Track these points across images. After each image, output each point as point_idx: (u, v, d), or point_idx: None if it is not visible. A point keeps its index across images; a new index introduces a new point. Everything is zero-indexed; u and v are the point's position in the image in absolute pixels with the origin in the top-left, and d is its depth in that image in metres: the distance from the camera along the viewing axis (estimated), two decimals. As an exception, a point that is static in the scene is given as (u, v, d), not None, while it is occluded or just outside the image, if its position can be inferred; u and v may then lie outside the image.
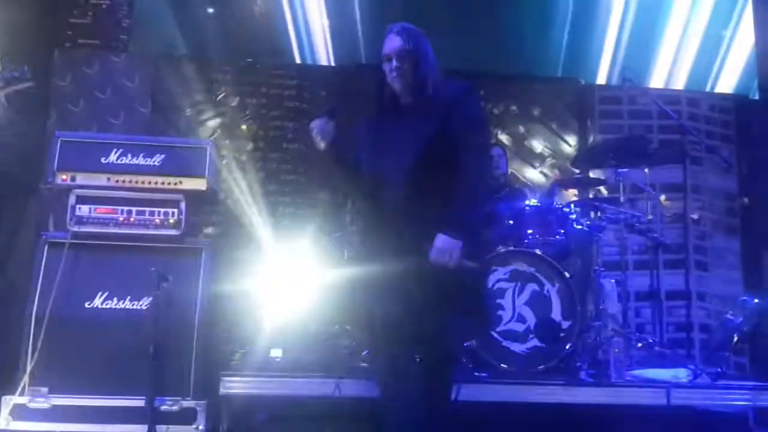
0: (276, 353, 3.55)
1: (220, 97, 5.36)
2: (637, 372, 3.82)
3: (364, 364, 3.65)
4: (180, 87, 5.30)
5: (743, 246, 5.55)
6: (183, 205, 3.55)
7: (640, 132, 5.31)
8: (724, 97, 5.91)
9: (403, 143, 2.56)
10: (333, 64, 5.72)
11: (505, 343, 3.75)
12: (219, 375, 3.35)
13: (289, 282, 4.08)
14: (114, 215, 3.48)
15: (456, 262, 2.43)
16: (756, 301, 4.14)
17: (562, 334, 3.78)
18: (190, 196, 3.58)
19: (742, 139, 5.76)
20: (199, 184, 3.60)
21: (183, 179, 3.58)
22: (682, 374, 3.74)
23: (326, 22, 5.70)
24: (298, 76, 5.51)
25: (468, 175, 2.50)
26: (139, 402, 3.16)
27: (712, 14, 6.07)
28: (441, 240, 2.44)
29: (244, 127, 5.39)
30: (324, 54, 5.75)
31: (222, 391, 3.33)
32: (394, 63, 2.61)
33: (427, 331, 2.48)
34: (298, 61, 5.67)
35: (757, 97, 5.93)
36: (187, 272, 3.46)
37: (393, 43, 2.63)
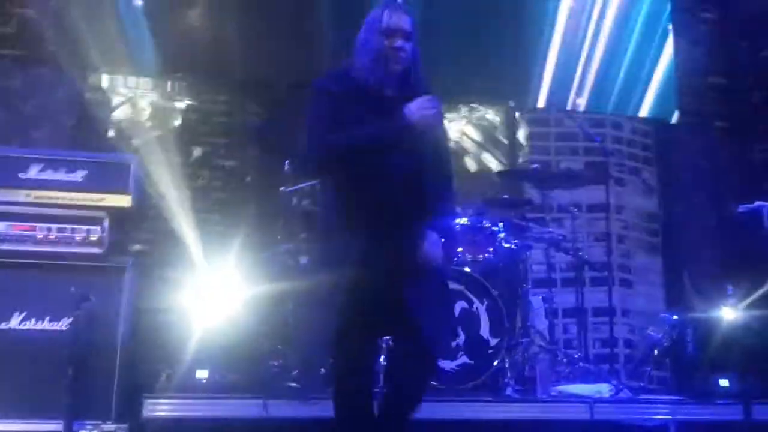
0: (202, 374, 3.47)
1: (149, 111, 5.25)
2: (562, 388, 3.90)
3: (294, 384, 3.60)
4: (107, 101, 5.17)
5: (665, 264, 5.78)
6: (106, 222, 3.46)
7: (567, 153, 5.48)
8: (645, 120, 6.17)
9: (403, 141, 2.45)
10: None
11: (435, 361, 3.76)
12: (142, 397, 3.25)
13: (218, 301, 3.99)
14: (32, 233, 3.37)
15: (441, 260, 2.53)
16: (675, 317, 4.31)
17: (490, 351, 3.84)
18: (114, 213, 3.49)
19: (662, 162, 6.03)
20: (123, 201, 3.51)
21: (106, 196, 3.49)
22: (604, 389, 3.85)
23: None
24: (230, 91, 5.44)
25: (452, 182, 2.67)
26: (56, 426, 3.03)
27: (637, 39, 6.32)
28: (433, 237, 2.52)
29: (173, 142, 5.28)
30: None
31: (145, 414, 3.23)
32: (400, 42, 2.44)
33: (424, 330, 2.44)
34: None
35: (675, 122, 6.22)
36: (110, 291, 3.37)
37: (402, 20, 2.46)
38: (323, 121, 2.46)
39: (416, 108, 2.40)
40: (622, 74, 6.20)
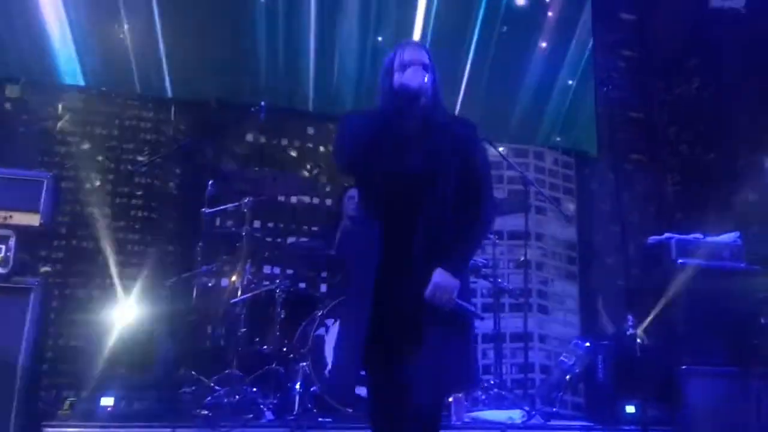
0: (107, 401, 3.35)
1: (68, 126, 5.09)
2: (476, 414, 3.95)
3: (204, 412, 3.52)
4: (25, 114, 5.00)
5: (581, 291, 5.96)
6: (12, 241, 3.33)
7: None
8: (566, 152, 6.37)
9: (425, 170, 2.38)
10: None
11: (351, 387, 3.75)
12: (41, 425, 3.12)
13: (131, 324, 3.88)
14: (-69, 250, 3.20)
15: (453, 302, 2.29)
16: (587, 344, 4.44)
17: (407, 378, 3.85)
18: (22, 231, 3.36)
19: (581, 192, 6.24)
20: (32, 220, 3.40)
21: (14, 213, 3.37)
22: (516, 415, 3.92)
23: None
24: (155, 107, 5.33)
25: (481, 219, 2.44)
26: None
27: (562, 74, 6.54)
28: (441, 276, 2.29)
29: (99, 158, 5.13)
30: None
31: (44, 443, 3.09)
32: (421, 70, 2.46)
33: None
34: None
35: (595, 154, 6.45)
36: (12, 314, 3.24)
37: (417, 53, 2.51)
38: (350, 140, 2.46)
39: (430, 295, 2.30)
40: (547, 105, 6.39)
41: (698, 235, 4.48)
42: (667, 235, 4.46)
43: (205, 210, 4.38)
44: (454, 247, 2.35)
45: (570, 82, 6.52)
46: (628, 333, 4.12)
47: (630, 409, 3.99)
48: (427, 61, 2.50)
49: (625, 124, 6.61)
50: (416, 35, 5.96)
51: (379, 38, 5.89)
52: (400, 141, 2.41)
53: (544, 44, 6.44)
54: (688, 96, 6.23)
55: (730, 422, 4.01)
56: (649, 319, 4.12)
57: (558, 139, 6.37)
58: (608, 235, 6.20)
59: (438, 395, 2.44)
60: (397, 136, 2.42)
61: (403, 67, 2.47)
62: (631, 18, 6.91)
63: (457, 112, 5.98)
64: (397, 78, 2.45)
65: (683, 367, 4.02)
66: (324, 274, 4.98)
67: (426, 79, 2.44)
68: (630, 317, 4.15)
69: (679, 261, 4.23)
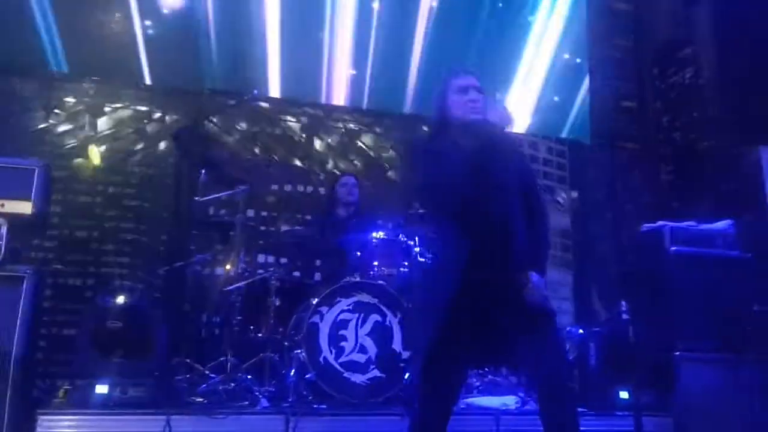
0: (102, 389, 3.34)
1: (64, 115, 5.06)
2: (470, 400, 3.96)
3: (200, 399, 3.52)
4: (20, 103, 4.97)
5: (575, 279, 5.98)
6: (4, 229, 3.31)
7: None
8: (560, 141, 6.38)
9: (502, 181, 2.59)
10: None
11: (346, 374, 3.77)
12: (36, 414, 3.11)
13: (125, 312, 3.87)
14: (-76, 238, 3.18)
15: (546, 298, 2.58)
16: (581, 331, 4.45)
17: (402, 364, 3.86)
18: (14, 220, 3.34)
19: (575, 181, 6.25)
20: (24, 208, 3.38)
21: (6, 202, 3.35)
22: (511, 401, 3.93)
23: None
24: (150, 97, 5.31)
25: (547, 227, 2.76)
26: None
27: (552, 64, 6.54)
28: (537, 277, 2.55)
29: (91, 147, 5.11)
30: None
31: (39, 431, 3.08)
32: (475, 95, 2.64)
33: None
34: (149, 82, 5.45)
35: (589, 143, 6.46)
36: (6, 302, 3.22)
37: (470, 80, 2.69)
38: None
39: (531, 294, 2.53)
40: (539, 94, 6.39)
41: (692, 223, 4.48)
42: (660, 222, 4.46)
43: (198, 198, 4.36)
44: (539, 253, 2.63)
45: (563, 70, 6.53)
46: (620, 319, 4.13)
47: (623, 395, 4.01)
48: (478, 84, 2.68)
49: (618, 113, 6.63)
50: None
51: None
52: (477, 166, 2.55)
53: (536, 30, 6.43)
54: (682, 85, 6.24)
55: (723, 408, 4.02)
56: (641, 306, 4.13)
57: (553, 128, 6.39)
58: (602, 223, 6.23)
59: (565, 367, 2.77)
60: (473, 163, 2.56)
61: (460, 89, 2.64)
62: (624, 7, 6.91)
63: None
64: (456, 100, 2.63)
65: (677, 353, 4.03)
66: (318, 263, 4.97)
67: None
68: (623, 303, 4.17)
69: (673, 248, 4.23)
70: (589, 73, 6.60)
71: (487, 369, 4.23)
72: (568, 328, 4.65)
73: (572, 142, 6.43)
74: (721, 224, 4.45)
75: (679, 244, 4.26)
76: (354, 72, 5.83)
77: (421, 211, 4.98)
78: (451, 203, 2.58)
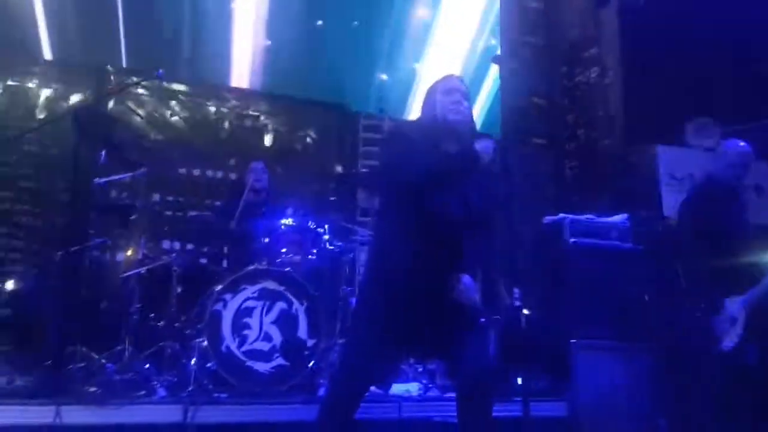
0: (-14, 379, 3.16)
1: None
2: (374, 387, 3.98)
3: (93, 389, 3.39)
4: None
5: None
6: None
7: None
8: (472, 134, 6.49)
9: (466, 191, 2.65)
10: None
11: (249, 363, 3.71)
12: None
13: (16, 298, 3.67)
14: None
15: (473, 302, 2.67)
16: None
17: (306, 353, 3.85)
18: None
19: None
20: None
21: None
22: (414, 388, 3.99)
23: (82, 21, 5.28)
24: (49, 73, 5.03)
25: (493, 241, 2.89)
26: None
27: (469, 55, 6.66)
28: (468, 279, 2.63)
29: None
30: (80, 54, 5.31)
31: None
32: (459, 97, 2.70)
33: None
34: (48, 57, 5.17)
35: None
36: None
37: (457, 83, 2.76)
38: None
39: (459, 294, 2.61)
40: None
41: (590, 216, 4.67)
42: (561, 215, 4.63)
43: (98, 180, 4.18)
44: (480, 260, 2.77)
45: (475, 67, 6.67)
46: (514, 307, 4.27)
47: (520, 381, 4.14)
48: (464, 88, 2.76)
49: (528, 109, 6.81)
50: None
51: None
52: (448, 170, 2.62)
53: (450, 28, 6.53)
54: (587, 84, 6.48)
55: (615, 392, 4.23)
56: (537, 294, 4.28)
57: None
58: (509, 215, 6.38)
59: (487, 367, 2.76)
60: (445, 166, 2.62)
61: (449, 91, 2.71)
62: (536, 5, 7.09)
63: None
64: (441, 100, 2.69)
65: (572, 341, 4.20)
66: (225, 249, 4.87)
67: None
68: (516, 291, 4.30)
69: (572, 240, 4.40)
70: (500, 69, 6.73)
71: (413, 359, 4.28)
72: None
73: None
74: (616, 218, 4.67)
75: (577, 235, 4.44)
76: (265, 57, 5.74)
77: (334, 198, 5.00)
78: (414, 196, 2.61)
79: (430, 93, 2.79)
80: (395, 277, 2.63)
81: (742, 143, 4.01)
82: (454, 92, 2.73)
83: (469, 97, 2.76)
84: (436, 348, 2.72)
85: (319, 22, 6.01)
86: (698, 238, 3.69)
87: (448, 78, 2.82)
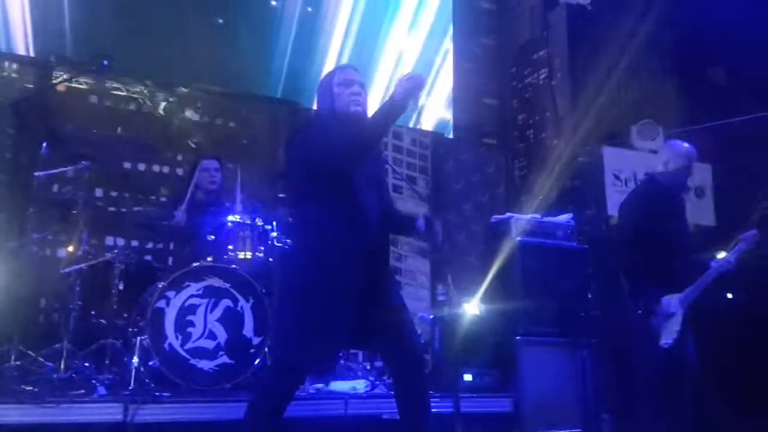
0: None
1: None
2: (320, 385, 3.98)
3: (29, 387, 3.29)
4: None
5: (432, 267, 6.17)
6: None
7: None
8: (424, 133, 6.55)
9: (377, 179, 2.76)
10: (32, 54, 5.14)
11: (192, 361, 3.66)
12: None
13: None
14: None
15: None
16: (431, 316, 4.60)
17: (252, 351, 3.81)
18: None
19: (437, 172, 6.44)
20: None
21: None
22: (360, 385, 4.00)
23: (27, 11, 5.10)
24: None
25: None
26: None
27: (422, 54, 6.68)
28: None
29: None
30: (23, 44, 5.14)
31: None
32: (358, 89, 2.75)
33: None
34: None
35: (451, 136, 6.69)
36: None
37: (354, 74, 2.81)
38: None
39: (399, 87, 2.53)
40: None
41: (536, 216, 4.76)
42: (508, 214, 4.70)
43: (38, 174, 4.06)
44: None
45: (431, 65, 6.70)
46: (461, 305, 4.32)
47: (467, 377, 4.19)
48: (361, 79, 2.80)
49: (479, 109, 6.91)
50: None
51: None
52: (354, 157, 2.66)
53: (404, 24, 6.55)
54: (536, 85, 6.60)
55: (559, 389, 4.32)
56: (482, 291, 4.34)
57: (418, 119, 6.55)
58: (460, 213, 6.47)
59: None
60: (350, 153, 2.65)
61: (345, 82, 2.76)
62: (489, 7, 7.19)
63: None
64: (339, 92, 2.75)
65: (517, 337, 4.27)
66: (171, 246, 4.79)
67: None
68: (440, 288, 4.35)
69: (518, 239, 4.47)
70: (453, 69, 6.81)
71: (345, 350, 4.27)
72: (420, 315, 4.80)
73: (435, 135, 6.61)
74: (562, 217, 4.76)
75: (524, 234, 4.51)
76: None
77: (282, 195, 4.95)
78: (334, 183, 2.64)
79: (326, 85, 2.81)
80: (323, 268, 2.62)
81: (684, 144, 4.10)
82: (352, 83, 2.76)
83: (364, 87, 2.80)
84: (368, 335, 2.71)
85: (273, 3, 5.95)
86: (637, 237, 3.78)
87: (344, 69, 2.86)
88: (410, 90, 2.52)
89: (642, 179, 4.42)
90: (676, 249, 3.89)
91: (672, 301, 3.81)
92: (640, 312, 3.83)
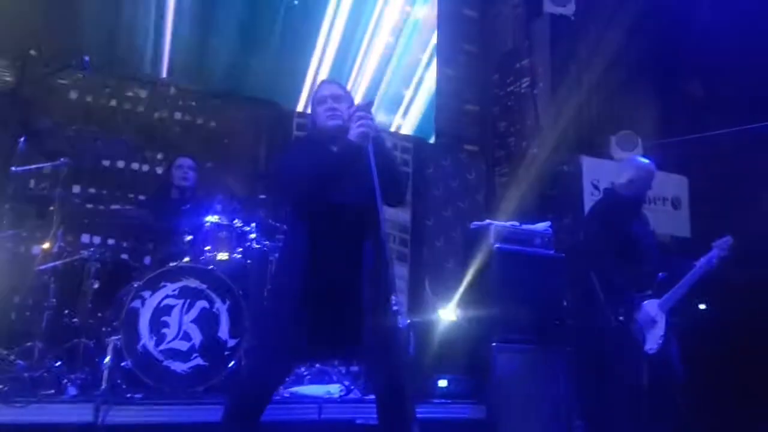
0: None
1: None
2: (294, 389, 3.97)
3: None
4: None
5: (411, 272, 6.18)
6: None
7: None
8: (406, 138, 6.56)
9: (357, 187, 2.67)
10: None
11: (165, 363, 3.62)
12: None
13: None
14: None
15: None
16: (408, 321, 4.61)
17: (227, 353, 3.79)
18: None
19: (418, 177, 6.45)
20: None
21: None
22: (335, 390, 3.99)
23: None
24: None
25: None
26: None
27: (402, 59, 6.70)
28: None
29: None
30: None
31: None
32: (331, 103, 2.83)
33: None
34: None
35: (433, 141, 6.70)
36: None
37: (330, 88, 2.92)
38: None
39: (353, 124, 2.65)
40: (386, 89, 6.53)
41: (515, 223, 4.79)
42: (487, 221, 4.72)
43: (15, 169, 4.00)
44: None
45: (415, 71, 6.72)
46: (443, 311, 4.34)
47: (442, 383, 4.21)
48: (337, 91, 2.90)
49: (461, 115, 6.93)
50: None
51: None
52: (337, 169, 2.69)
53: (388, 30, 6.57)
54: (518, 93, 6.64)
55: (533, 396, 4.35)
56: (458, 297, 4.36)
57: (401, 124, 6.57)
58: (440, 219, 6.49)
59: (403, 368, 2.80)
60: (334, 166, 2.70)
61: (322, 100, 2.86)
62: (472, 14, 7.22)
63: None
64: (317, 111, 2.86)
65: (493, 344, 4.29)
66: (150, 246, 4.74)
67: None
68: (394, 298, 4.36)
69: (496, 246, 4.50)
70: (436, 75, 6.83)
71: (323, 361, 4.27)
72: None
73: (417, 140, 6.63)
74: (540, 225, 4.80)
75: (501, 241, 4.54)
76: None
77: (263, 196, 4.94)
78: (313, 197, 2.70)
79: (311, 104, 2.97)
80: (301, 278, 2.67)
81: (644, 160, 4.25)
82: (325, 101, 2.87)
83: (342, 97, 2.89)
84: (349, 349, 2.77)
85: None
86: (606, 246, 3.85)
87: (320, 86, 2.99)
88: (364, 132, 2.63)
89: (602, 193, 4.54)
90: (643, 256, 3.99)
91: (652, 307, 3.88)
92: (621, 319, 3.88)
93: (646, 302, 3.94)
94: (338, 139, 2.72)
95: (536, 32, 6.62)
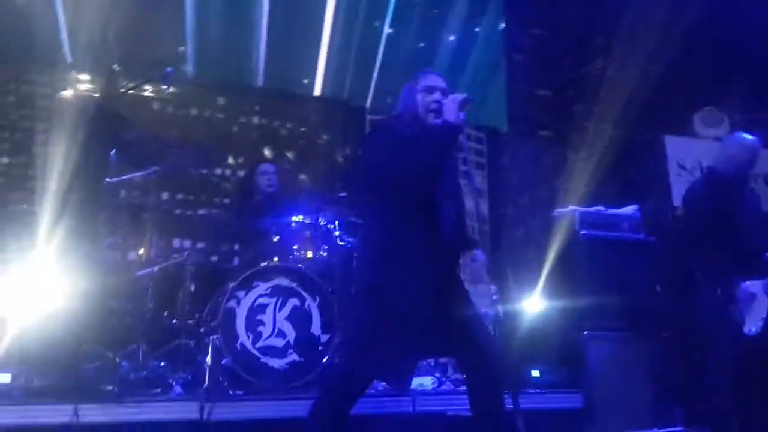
0: (4, 378, 3.17)
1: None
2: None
3: (109, 387, 3.40)
4: None
5: (492, 262, 6.11)
6: None
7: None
8: (478, 128, 6.49)
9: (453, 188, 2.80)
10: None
11: (263, 360, 3.72)
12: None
13: (29, 297, 3.68)
14: None
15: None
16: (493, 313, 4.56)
17: (320, 348, 3.85)
18: None
19: (492, 167, 6.38)
20: None
21: None
22: (428, 382, 4.00)
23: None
24: (51, 73, 5.03)
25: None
26: None
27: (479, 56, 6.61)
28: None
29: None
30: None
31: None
32: (438, 96, 2.77)
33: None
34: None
35: (506, 130, 6.61)
36: None
37: (437, 81, 2.83)
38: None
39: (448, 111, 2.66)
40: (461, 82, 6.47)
41: (600, 208, 4.68)
42: (571, 207, 4.63)
43: (109, 180, 4.18)
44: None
45: (482, 58, 6.62)
46: (530, 301, 4.28)
47: (535, 373, 4.15)
48: (445, 87, 2.82)
49: (534, 101, 6.81)
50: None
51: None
52: (429, 165, 2.67)
53: (457, 19, 6.50)
54: (593, 75, 6.47)
55: (629, 384, 4.25)
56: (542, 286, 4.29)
57: (471, 115, 6.48)
58: (517, 207, 6.40)
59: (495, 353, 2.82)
60: (425, 161, 2.66)
61: (429, 90, 2.78)
62: (540, -4, 7.08)
63: (372, 85, 6.00)
64: (421, 99, 2.77)
65: (584, 333, 4.21)
66: (236, 247, 4.87)
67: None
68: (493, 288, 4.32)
69: (582, 232, 4.40)
70: (506, 62, 6.73)
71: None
72: (483, 311, 4.76)
73: (489, 129, 6.55)
74: (627, 209, 4.67)
75: (587, 227, 4.44)
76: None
77: (343, 194, 5.00)
78: (407, 190, 2.66)
79: (410, 90, 2.83)
80: (394, 278, 2.65)
81: (747, 136, 4.00)
82: (433, 91, 2.78)
83: (447, 92, 2.81)
84: (442, 345, 2.75)
85: None
86: (707, 228, 3.69)
87: (426, 75, 2.87)
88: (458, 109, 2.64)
89: (704, 171, 4.34)
90: (746, 237, 3.80)
91: (755, 287, 3.71)
92: (717, 301, 3.73)
93: (748, 283, 3.77)
94: (435, 140, 2.68)
95: (609, 10, 6.42)
